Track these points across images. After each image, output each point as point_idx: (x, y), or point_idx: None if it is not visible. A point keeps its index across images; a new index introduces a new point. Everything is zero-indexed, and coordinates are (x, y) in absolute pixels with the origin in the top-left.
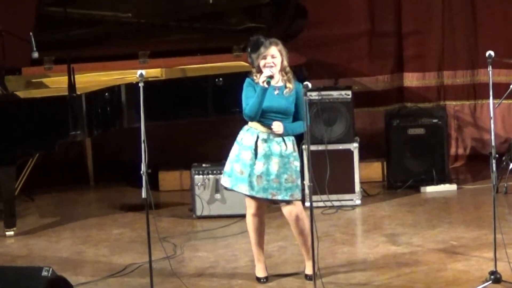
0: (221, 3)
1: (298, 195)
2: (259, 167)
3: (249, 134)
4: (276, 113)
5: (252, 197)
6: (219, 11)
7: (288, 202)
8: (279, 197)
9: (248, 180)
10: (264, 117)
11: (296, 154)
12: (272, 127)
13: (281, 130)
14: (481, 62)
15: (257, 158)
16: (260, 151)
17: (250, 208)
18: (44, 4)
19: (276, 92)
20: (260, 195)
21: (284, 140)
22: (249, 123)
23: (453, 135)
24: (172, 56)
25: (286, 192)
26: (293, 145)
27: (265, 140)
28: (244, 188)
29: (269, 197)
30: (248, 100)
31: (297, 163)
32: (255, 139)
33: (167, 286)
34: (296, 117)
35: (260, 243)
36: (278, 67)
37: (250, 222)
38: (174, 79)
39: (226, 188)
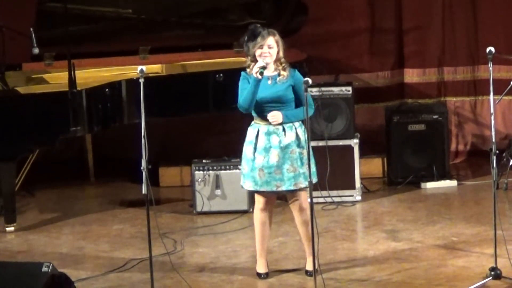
0: None
1: (302, 183)
2: (259, 160)
3: (251, 129)
4: (272, 102)
5: (258, 192)
6: (219, 7)
7: (293, 192)
8: (283, 188)
9: (251, 175)
10: (261, 109)
11: (300, 141)
12: (268, 118)
13: (279, 119)
14: (481, 58)
15: (257, 152)
16: (260, 144)
17: (258, 203)
18: (44, 0)
19: (269, 81)
20: (264, 188)
21: (284, 130)
22: (254, 119)
23: (454, 131)
24: (172, 52)
25: (289, 182)
26: (297, 133)
27: (265, 133)
28: (248, 184)
29: (274, 189)
30: (243, 92)
31: (301, 150)
32: (256, 133)
33: (167, 282)
34: (297, 103)
35: (265, 239)
36: (274, 57)
37: (258, 217)
38: (175, 75)
39: (242, 187)
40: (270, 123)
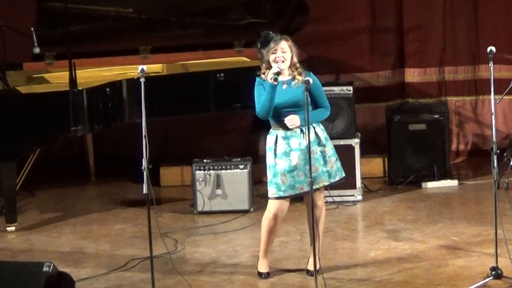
0: None
1: (325, 181)
2: (281, 165)
3: (270, 137)
4: (288, 107)
5: (278, 198)
6: (220, 7)
7: (315, 191)
8: (306, 189)
9: (274, 182)
10: (279, 114)
11: (321, 140)
12: (285, 122)
13: (296, 123)
14: (482, 58)
15: (277, 157)
16: (280, 149)
17: (270, 211)
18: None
19: (284, 86)
20: (289, 193)
21: (302, 132)
22: (271, 127)
23: (454, 130)
24: (173, 51)
25: (313, 182)
26: (316, 133)
27: (284, 138)
28: (272, 191)
29: (298, 192)
30: (260, 98)
31: (323, 148)
32: (275, 139)
33: (168, 281)
34: (315, 105)
35: (271, 242)
36: (288, 62)
37: (268, 224)
38: (175, 75)
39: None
40: (287, 128)
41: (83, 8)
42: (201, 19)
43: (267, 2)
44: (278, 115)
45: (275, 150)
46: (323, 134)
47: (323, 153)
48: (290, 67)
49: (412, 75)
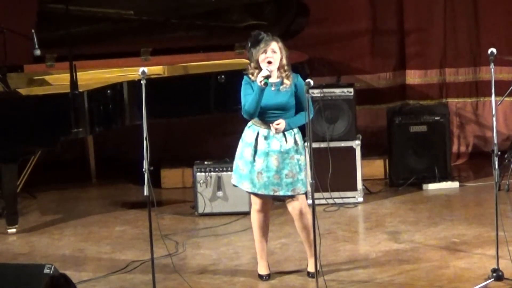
0: (223, 1)
1: (300, 189)
2: (259, 164)
3: (250, 131)
4: (274, 109)
5: (255, 193)
6: (221, 9)
7: (291, 197)
8: (281, 193)
9: (250, 177)
10: (263, 114)
11: (298, 147)
12: (272, 127)
13: (281, 128)
14: (483, 60)
15: (257, 155)
16: (260, 148)
17: (254, 204)
18: (45, 2)
19: (273, 88)
20: (262, 191)
21: (285, 136)
22: (252, 120)
23: (455, 132)
24: (174, 53)
25: (287, 188)
26: (295, 139)
27: (265, 137)
28: (246, 185)
29: (271, 193)
30: (246, 97)
31: (299, 157)
32: (256, 136)
33: (169, 283)
34: (298, 108)
35: (264, 240)
36: (277, 64)
37: (255, 218)
38: (176, 77)
39: (234, 185)
40: (269, 127)
41: (84, 10)
42: (202, 21)
43: (268, 4)
44: (262, 114)
45: (255, 147)
46: (300, 143)
47: (298, 161)
48: (279, 69)
49: (413, 77)
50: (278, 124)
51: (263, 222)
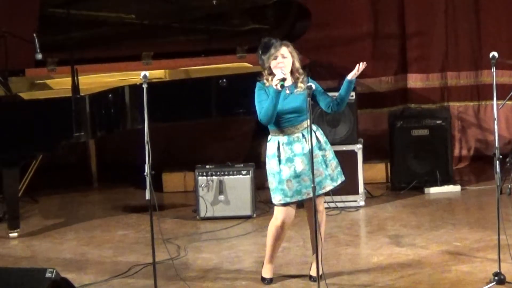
0: (224, 5)
1: (330, 185)
2: (286, 171)
3: (271, 143)
4: (289, 113)
5: (285, 205)
6: (222, 12)
7: (318, 196)
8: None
9: (280, 188)
10: (279, 120)
11: (321, 143)
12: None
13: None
14: (484, 63)
15: (282, 164)
16: (283, 156)
17: (278, 219)
18: (47, 6)
19: (287, 92)
20: (296, 198)
21: (304, 137)
22: (270, 132)
23: (457, 136)
24: (175, 57)
25: (318, 187)
26: (317, 137)
27: (287, 144)
28: (278, 198)
29: (305, 197)
30: (262, 104)
31: (324, 152)
32: (277, 146)
33: (170, 287)
34: (327, 99)
35: (278, 248)
36: (289, 68)
37: (273, 231)
38: (178, 80)
39: (275, 205)
40: (288, 133)
41: (85, 14)
42: (204, 25)
43: (269, 8)
44: (278, 121)
45: (278, 156)
46: (323, 139)
47: (324, 157)
48: (292, 72)
49: (415, 80)
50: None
51: (282, 235)
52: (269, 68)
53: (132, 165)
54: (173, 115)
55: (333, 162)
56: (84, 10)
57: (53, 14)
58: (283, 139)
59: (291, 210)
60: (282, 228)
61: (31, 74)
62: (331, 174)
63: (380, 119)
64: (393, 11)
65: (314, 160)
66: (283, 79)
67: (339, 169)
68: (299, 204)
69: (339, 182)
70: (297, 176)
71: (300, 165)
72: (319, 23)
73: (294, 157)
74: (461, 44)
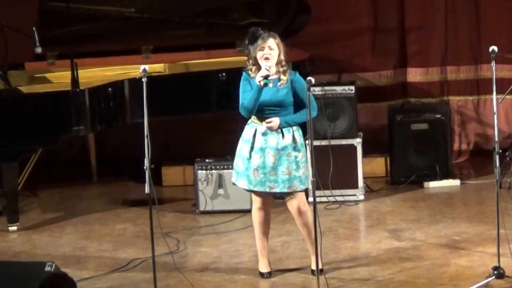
0: None
1: (297, 186)
2: (255, 160)
3: (248, 128)
4: (272, 106)
5: (253, 191)
6: (222, 6)
7: (289, 194)
8: (277, 190)
9: (246, 174)
10: (261, 111)
11: (297, 144)
12: (264, 124)
13: (275, 126)
14: (484, 57)
15: (253, 151)
16: (257, 144)
17: (255, 202)
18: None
19: (271, 85)
20: (258, 188)
21: (282, 132)
22: (251, 117)
23: (457, 130)
24: (175, 51)
25: (283, 185)
26: (294, 136)
27: (263, 134)
28: (243, 183)
29: (267, 190)
30: (245, 94)
31: (297, 154)
32: (253, 133)
33: (170, 281)
34: (299, 105)
35: (265, 238)
36: (275, 60)
37: (256, 216)
38: (177, 74)
39: (233, 183)
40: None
41: (85, 8)
42: (203, 19)
43: (269, 2)
44: (260, 111)
45: (252, 143)
46: (299, 140)
47: (296, 158)
48: (276, 64)
49: (414, 74)
50: (269, 123)
51: (264, 220)
52: (255, 58)
53: (132, 159)
54: (172, 109)
55: (304, 165)
56: (83, 4)
57: (52, 8)
58: (261, 128)
59: (265, 197)
60: (259, 213)
61: (30, 67)
62: (300, 177)
63: (379, 113)
64: (392, 5)
65: (287, 158)
66: (266, 76)
67: (307, 173)
68: (278, 196)
69: (306, 186)
70: (265, 167)
71: (270, 158)
72: (319, 17)
73: (266, 149)
74: (460, 38)
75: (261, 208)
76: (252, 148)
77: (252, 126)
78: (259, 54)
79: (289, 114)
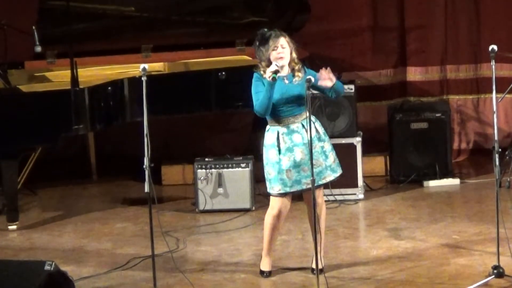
0: None
1: (330, 176)
2: (285, 161)
3: (270, 133)
4: (288, 103)
5: (283, 195)
6: (221, 5)
7: (319, 186)
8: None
9: (279, 178)
10: (277, 110)
11: (320, 134)
12: (321, 73)
13: (330, 83)
14: (484, 56)
15: (281, 154)
16: (283, 146)
17: (274, 208)
18: None
19: (286, 82)
20: (295, 188)
21: (304, 127)
22: (268, 123)
23: (456, 129)
24: (175, 50)
25: (317, 178)
26: (316, 128)
27: (286, 134)
28: (277, 188)
29: (304, 187)
30: (258, 95)
31: (323, 143)
32: (276, 136)
33: (169, 280)
34: (327, 91)
35: (275, 240)
36: (288, 58)
37: (271, 222)
38: (177, 73)
39: (268, 193)
40: (287, 124)
41: (84, 6)
42: (203, 17)
43: (268, 1)
44: (276, 112)
45: (278, 146)
46: (321, 130)
47: (323, 148)
48: (289, 62)
49: (414, 73)
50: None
51: (279, 226)
52: (268, 59)
53: (131, 158)
54: (172, 107)
55: (332, 153)
56: (83, 3)
57: (52, 6)
58: (282, 129)
59: (288, 200)
60: (278, 218)
61: (30, 66)
62: (331, 165)
63: (379, 112)
64: (392, 4)
65: (314, 150)
66: (276, 71)
67: (337, 161)
68: (299, 196)
69: (338, 173)
70: (296, 165)
71: (299, 154)
72: (319, 16)
73: (293, 147)
74: (460, 37)
75: (279, 216)
76: (279, 151)
77: (273, 130)
78: (273, 54)
79: (304, 110)
